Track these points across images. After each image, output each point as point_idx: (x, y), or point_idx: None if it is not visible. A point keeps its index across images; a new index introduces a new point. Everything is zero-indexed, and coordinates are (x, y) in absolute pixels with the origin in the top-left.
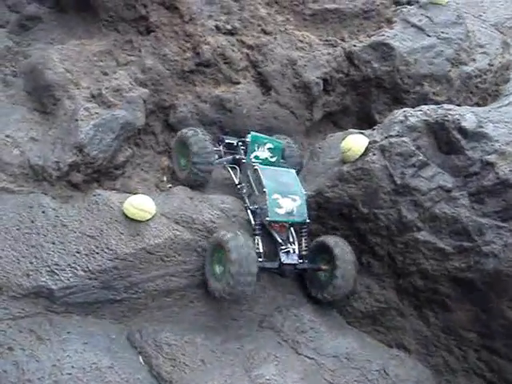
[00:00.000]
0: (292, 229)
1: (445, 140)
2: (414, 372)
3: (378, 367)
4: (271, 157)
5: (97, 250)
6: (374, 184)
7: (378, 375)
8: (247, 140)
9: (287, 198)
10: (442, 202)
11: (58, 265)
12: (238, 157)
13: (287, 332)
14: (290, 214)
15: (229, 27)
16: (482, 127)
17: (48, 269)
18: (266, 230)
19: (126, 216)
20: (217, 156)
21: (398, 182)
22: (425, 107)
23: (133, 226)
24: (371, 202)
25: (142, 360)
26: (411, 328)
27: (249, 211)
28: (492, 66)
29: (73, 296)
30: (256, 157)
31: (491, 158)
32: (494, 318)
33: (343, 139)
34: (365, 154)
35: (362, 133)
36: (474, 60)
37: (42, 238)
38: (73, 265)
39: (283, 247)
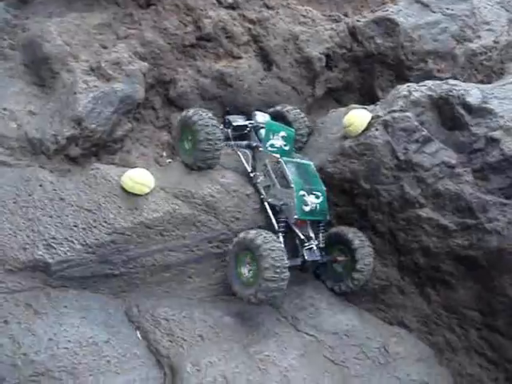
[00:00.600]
0: (310, 224)
1: (449, 115)
2: (414, 350)
3: (378, 345)
4: (285, 145)
5: (94, 224)
6: (376, 159)
7: (378, 352)
8: (261, 124)
9: (312, 194)
10: (445, 179)
11: (55, 238)
12: (254, 144)
13: (287, 308)
14: (313, 211)
15: (230, 1)
16: (486, 103)
17: (45, 242)
18: (288, 226)
19: (124, 190)
20: (223, 137)
21: (401, 157)
22: (429, 82)
23: (131, 200)
24: (373, 178)
25: (139, 335)
26: (412, 306)
27: (266, 204)
28: (497, 43)
29: (70, 270)
30: (272, 145)
31: (496, 134)
32: (496, 296)
33: (345, 114)
34: (367, 128)
35: (364, 108)
36: (479, 37)
37: (39, 212)
38: (70, 238)
39: (306, 244)
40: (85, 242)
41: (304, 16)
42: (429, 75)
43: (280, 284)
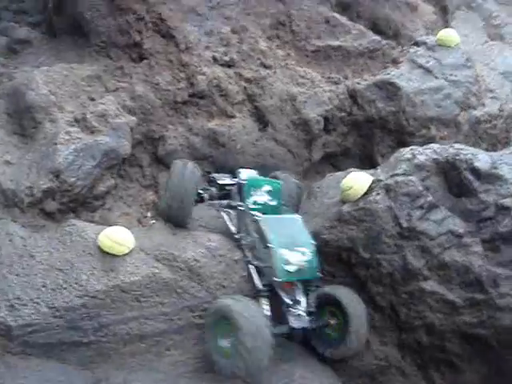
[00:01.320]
0: (299, 284)
1: (456, 181)
2: None
3: None
4: (270, 200)
5: (64, 285)
6: (376, 226)
7: None
8: (241, 181)
9: (295, 251)
10: (452, 249)
11: (19, 299)
12: (233, 204)
13: None
14: (300, 271)
15: (226, 59)
16: (496, 168)
17: (7, 303)
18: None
19: (101, 249)
20: (207, 196)
21: (404, 224)
22: (434, 145)
23: (107, 261)
24: (373, 246)
25: None
26: None
27: (250, 267)
28: (502, 111)
29: (34, 335)
30: (254, 202)
31: (507, 201)
32: (507, 380)
33: (344, 177)
34: (367, 193)
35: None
36: (483, 104)
37: (6, 269)
38: (36, 300)
39: (293, 310)
40: (52, 304)
41: (302, 77)
42: (431, 142)
43: (263, 353)
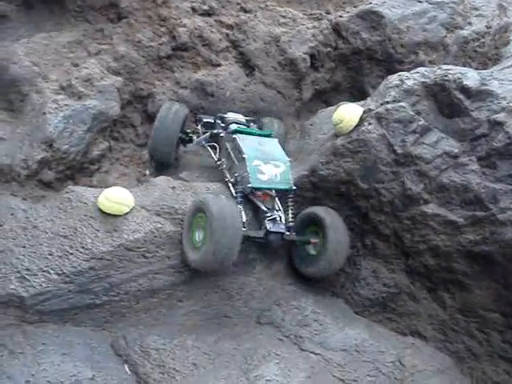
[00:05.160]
0: (277, 199)
1: (446, 102)
2: (432, 361)
3: (393, 358)
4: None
5: (71, 251)
6: (372, 156)
7: (392, 367)
8: (225, 116)
9: (269, 164)
10: (449, 170)
11: (28, 270)
12: (215, 131)
13: (288, 326)
14: (273, 180)
15: (205, 8)
16: (486, 85)
17: (18, 275)
18: (248, 199)
19: (102, 211)
20: (195, 136)
21: (399, 151)
22: (422, 69)
23: (109, 222)
24: (371, 176)
25: (127, 369)
26: (426, 313)
27: (229, 184)
28: (490, 28)
29: (47, 303)
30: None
31: (500, 116)
32: None
33: (335, 111)
34: (359, 124)
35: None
36: (470, 23)
37: (11, 242)
38: (45, 268)
39: (268, 215)
40: (61, 270)
41: (284, 17)
42: (421, 67)
43: (229, 250)
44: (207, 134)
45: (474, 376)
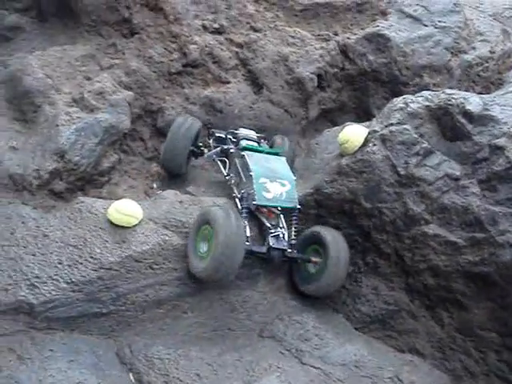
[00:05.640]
0: (282, 216)
1: (449, 126)
2: (429, 378)
3: (391, 374)
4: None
5: (80, 260)
6: (375, 176)
7: (390, 383)
8: (237, 132)
9: (275, 182)
10: (450, 192)
11: (38, 277)
12: (225, 147)
13: (290, 340)
14: (278, 198)
15: (216, 26)
16: (488, 110)
17: (28, 282)
18: (253, 215)
19: (111, 222)
20: (207, 150)
21: (402, 172)
22: (426, 92)
23: (118, 233)
24: (374, 196)
25: (132, 377)
26: (424, 330)
27: (236, 200)
28: (493, 53)
29: (55, 310)
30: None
31: (500, 141)
32: None
33: (340, 131)
34: (364, 144)
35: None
36: (474, 48)
37: (22, 250)
38: (54, 277)
39: (272, 231)
40: (70, 279)
41: (293, 37)
42: (425, 90)
43: (231, 263)
44: (218, 148)
45: None
